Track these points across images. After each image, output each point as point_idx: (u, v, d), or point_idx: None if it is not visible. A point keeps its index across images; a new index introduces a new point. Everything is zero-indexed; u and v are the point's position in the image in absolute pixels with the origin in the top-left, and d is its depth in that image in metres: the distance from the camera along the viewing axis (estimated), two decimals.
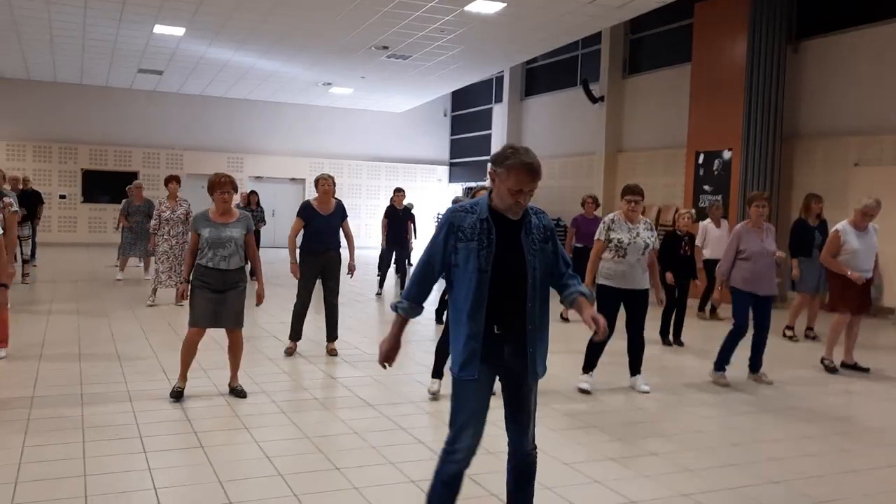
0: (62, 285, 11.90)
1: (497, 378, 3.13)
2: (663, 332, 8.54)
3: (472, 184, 21.96)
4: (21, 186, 13.12)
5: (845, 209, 10.46)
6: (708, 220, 10.20)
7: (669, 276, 8.22)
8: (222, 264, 5.43)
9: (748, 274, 6.47)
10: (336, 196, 7.32)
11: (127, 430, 4.78)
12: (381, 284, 12.09)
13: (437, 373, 5.85)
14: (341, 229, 7.17)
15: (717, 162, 12.31)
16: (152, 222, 9.78)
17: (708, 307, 10.44)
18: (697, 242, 10.03)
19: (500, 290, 2.98)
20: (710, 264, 10.02)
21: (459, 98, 23.42)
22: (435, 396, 5.77)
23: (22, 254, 11.74)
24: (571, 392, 6.14)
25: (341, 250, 7.21)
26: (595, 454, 4.64)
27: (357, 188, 22.42)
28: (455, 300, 3.04)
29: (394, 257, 12.15)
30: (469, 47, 14.53)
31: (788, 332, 9.07)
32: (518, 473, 3.25)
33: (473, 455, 3.07)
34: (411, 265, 15.61)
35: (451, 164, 24.15)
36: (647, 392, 6.22)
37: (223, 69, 17.21)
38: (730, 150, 12.05)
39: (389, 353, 3.12)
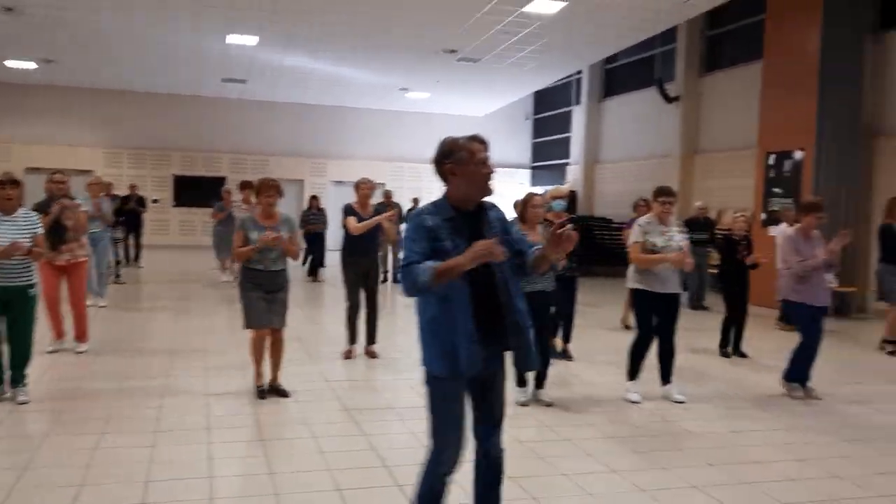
0: (153, 286, 12.61)
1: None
2: (723, 344, 8.07)
3: (550, 187, 21.67)
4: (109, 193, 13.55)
5: None
6: (783, 223, 9.64)
7: (757, 257, 7.84)
8: (272, 266, 5.62)
9: (803, 284, 6.08)
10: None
11: (146, 423, 4.99)
12: None
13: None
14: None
15: (787, 163, 11.65)
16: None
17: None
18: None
19: (475, 288, 2.94)
20: None
21: (541, 101, 23.20)
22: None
23: (116, 255, 12.50)
24: (607, 401, 5.97)
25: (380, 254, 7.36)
26: (597, 466, 4.49)
27: (437, 192, 22.48)
28: (433, 301, 2.95)
29: None
30: (538, 49, 14.38)
31: (889, 348, 8.35)
32: (488, 474, 3.17)
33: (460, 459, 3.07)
34: None
35: (533, 168, 23.94)
36: (683, 402, 5.97)
37: (302, 76, 17.69)
38: (801, 150, 11.37)
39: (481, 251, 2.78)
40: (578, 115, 20.21)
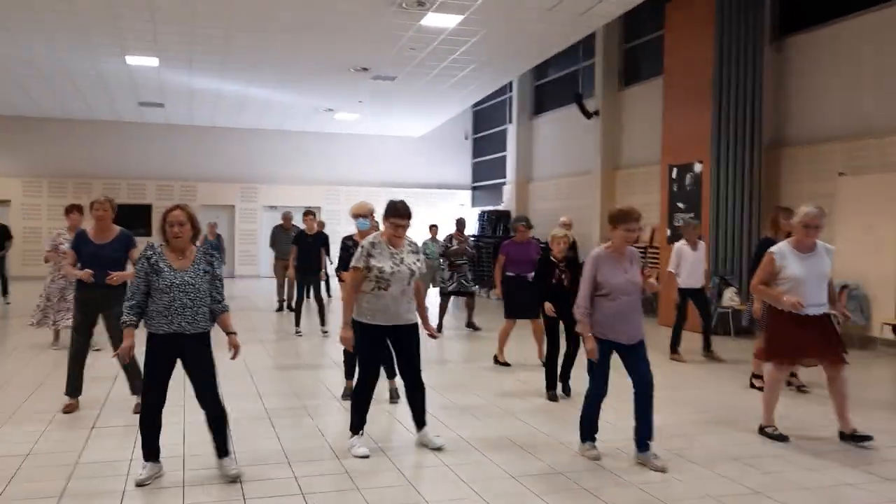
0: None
1: None
2: (549, 385, 6.78)
3: (490, 208, 21.14)
4: None
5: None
6: (682, 241, 8.85)
7: (549, 307, 6.72)
8: None
9: (605, 316, 4.82)
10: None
11: None
12: (297, 321, 10.73)
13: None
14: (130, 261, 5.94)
15: (688, 176, 11.17)
16: (48, 252, 8.95)
17: (681, 346, 8.82)
18: (670, 268, 8.84)
19: None
20: (686, 294, 8.84)
21: (480, 119, 22.77)
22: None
23: None
24: (400, 447, 5.23)
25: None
26: None
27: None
28: None
29: (305, 287, 10.65)
30: (450, 65, 13.92)
31: (757, 383, 6.97)
32: None
33: None
34: (330, 296, 14.48)
35: (474, 188, 23.45)
36: (441, 448, 5.07)
37: (217, 99, 17.14)
38: (700, 162, 10.90)
39: None
40: (512, 133, 19.75)
